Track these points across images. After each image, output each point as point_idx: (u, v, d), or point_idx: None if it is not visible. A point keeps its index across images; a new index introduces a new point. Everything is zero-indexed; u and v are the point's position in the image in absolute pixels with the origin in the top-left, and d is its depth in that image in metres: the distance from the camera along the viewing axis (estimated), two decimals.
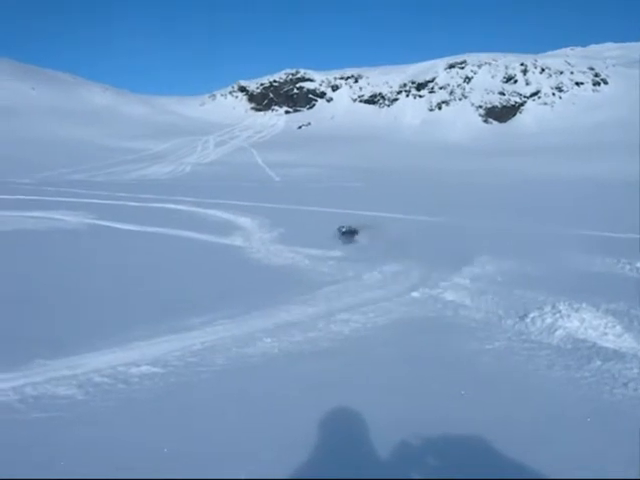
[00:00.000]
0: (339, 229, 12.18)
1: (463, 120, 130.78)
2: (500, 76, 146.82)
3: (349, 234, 11.98)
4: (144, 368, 4.63)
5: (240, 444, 3.54)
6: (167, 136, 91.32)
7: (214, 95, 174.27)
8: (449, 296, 7.35)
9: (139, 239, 12.65)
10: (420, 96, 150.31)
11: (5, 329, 5.73)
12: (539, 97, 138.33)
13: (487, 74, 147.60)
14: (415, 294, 7.43)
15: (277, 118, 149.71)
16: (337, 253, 10.60)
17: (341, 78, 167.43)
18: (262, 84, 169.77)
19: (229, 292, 7.47)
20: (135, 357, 4.86)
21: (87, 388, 4.27)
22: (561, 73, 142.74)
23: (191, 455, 3.37)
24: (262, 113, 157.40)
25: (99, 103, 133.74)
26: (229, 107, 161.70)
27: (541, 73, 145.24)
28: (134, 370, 4.60)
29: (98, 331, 5.52)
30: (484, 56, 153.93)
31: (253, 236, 12.77)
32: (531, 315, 6.16)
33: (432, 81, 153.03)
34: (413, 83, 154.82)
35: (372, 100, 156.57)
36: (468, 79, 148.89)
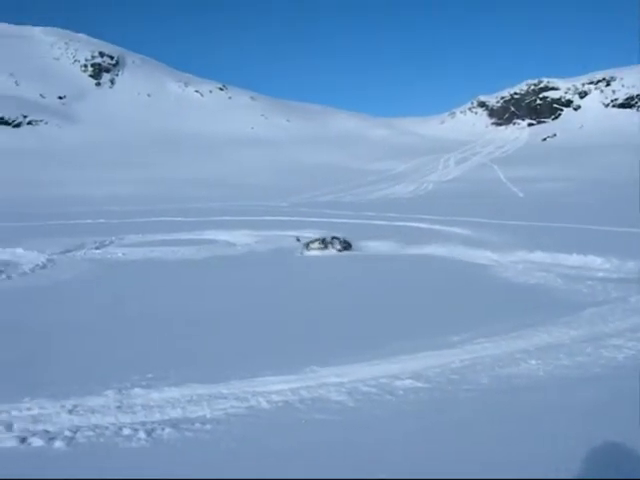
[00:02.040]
0: None
1: None
2: None
3: None
4: (407, 382, 4.77)
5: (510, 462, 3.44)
6: (408, 156, 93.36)
7: (453, 113, 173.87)
8: None
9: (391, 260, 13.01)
10: None
11: (281, 339, 6.37)
12: None
13: None
14: None
15: (519, 131, 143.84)
16: (596, 273, 9.78)
17: (590, 83, 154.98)
18: (502, 97, 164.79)
19: (481, 311, 7.35)
20: (397, 370, 5.04)
21: (356, 396, 4.53)
22: None
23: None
24: (503, 127, 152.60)
25: (344, 129, 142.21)
26: (469, 124, 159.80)
27: None
28: (398, 383, 4.76)
29: (363, 344, 5.84)
30: None
31: (499, 254, 12.36)
32: None
33: None
34: None
35: (628, 104, 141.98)
36: None
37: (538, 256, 11.69)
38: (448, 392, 4.59)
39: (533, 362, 5.23)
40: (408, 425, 4.05)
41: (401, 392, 4.61)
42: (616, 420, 4.03)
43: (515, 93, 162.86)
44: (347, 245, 13.99)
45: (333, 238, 13.94)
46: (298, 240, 14.66)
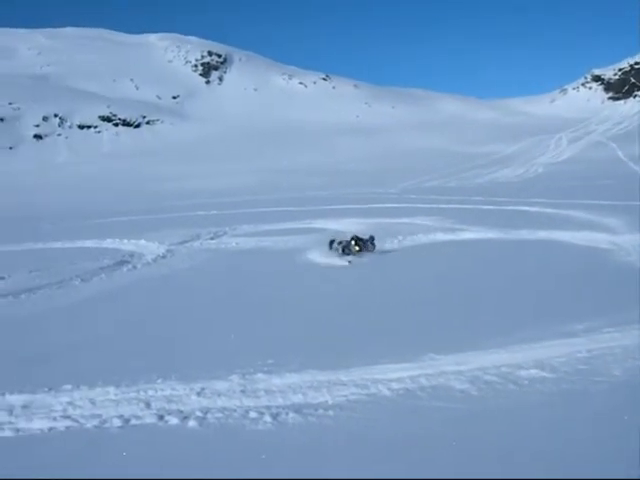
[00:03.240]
0: None
1: None
2: None
3: None
4: (533, 372, 4.63)
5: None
6: (516, 138, 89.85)
7: (565, 89, 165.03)
8: None
9: (494, 244, 12.61)
10: None
11: (401, 326, 6.38)
12: None
13: None
14: None
15: None
16: None
17: None
18: (620, 69, 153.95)
19: (605, 298, 6.97)
20: (519, 359, 4.90)
21: (479, 385, 4.46)
22: None
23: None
24: (622, 102, 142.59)
25: (450, 112, 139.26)
26: (583, 100, 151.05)
27: None
28: (522, 372, 4.63)
29: (482, 332, 5.74)
30: None
31: (621, 237, 11.61)
32: None
33: None
34: None
35: None
36: None
37: None
38: (577, 383, 4.40)
39: None
40: (535, 417, 3.92)
41: (526, 382, 4.48)
42: None
43: (636, 63, 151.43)
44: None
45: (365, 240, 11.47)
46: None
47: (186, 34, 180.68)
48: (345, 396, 4.43)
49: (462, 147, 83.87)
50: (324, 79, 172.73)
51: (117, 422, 4.20)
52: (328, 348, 5.58)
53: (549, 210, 17.92)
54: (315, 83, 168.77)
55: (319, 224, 17.40)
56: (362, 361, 5.08)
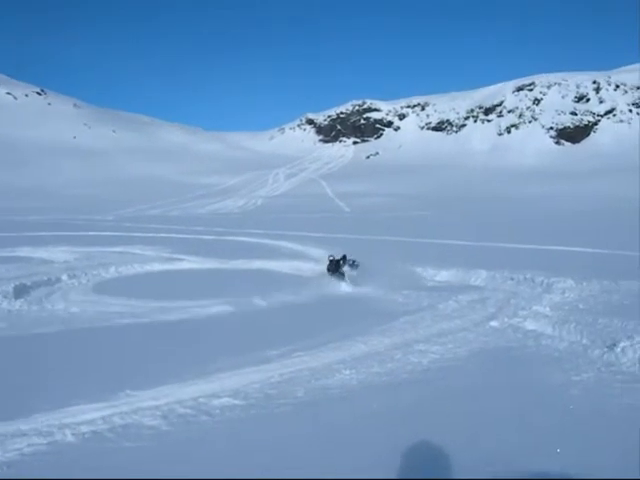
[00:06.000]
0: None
1: (534, 143, 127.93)
2: (571, 96, 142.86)
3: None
4: (224, 400, 4.67)
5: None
6: (239, 171, 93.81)
7: (283, 129, 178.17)
8: (529, 325, 7.09)
9: (215, 274, 12.86)
10: (488, 121, 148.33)
11: (89, 363, 5.92)
12: (614, 115, 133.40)
13: (557, 94, 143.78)
14: (494, 323, 7.21)
15: (345, 149, 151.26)
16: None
17: (408, 107, 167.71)
18: (329, 116, 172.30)
19: (301, 324, 7.48)
20: (216, 389, 4.92)
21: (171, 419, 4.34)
22: (638, 88, 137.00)
23: None
24: (330, 144, 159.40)
25: (174, 142, 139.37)
26: (298, 140, 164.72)
27: (615, 90, 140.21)
28: (215, 402, 4.64)
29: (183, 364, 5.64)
30: (553, 76, 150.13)
31: (322, 265, 12.75)
32: (621, 345, 5.81)
33: (500, 105, 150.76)
34: (481, 108, 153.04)
35: (440, 127, 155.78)
36: (537, 101, 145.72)
37: None
38: (264, 408, 4.55)
39: (347, 372, 5.40)
40: (217, 446, 3.93)
41: (217, 411, 4.49)
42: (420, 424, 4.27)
43: (341, 112, 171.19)
44: None
45: None
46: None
47: None
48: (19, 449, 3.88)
49: (185, 177, 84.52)
50: (39, 93, 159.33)
51: None
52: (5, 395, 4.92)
53: (266, 241, 18.89)
54: (27, 96, 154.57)
55: (24, 252, 15.68)
56: (48, 405, 4.55)
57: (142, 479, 3.36)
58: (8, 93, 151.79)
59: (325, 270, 11.52)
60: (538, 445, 3.83)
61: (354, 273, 11.10)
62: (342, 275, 11.09)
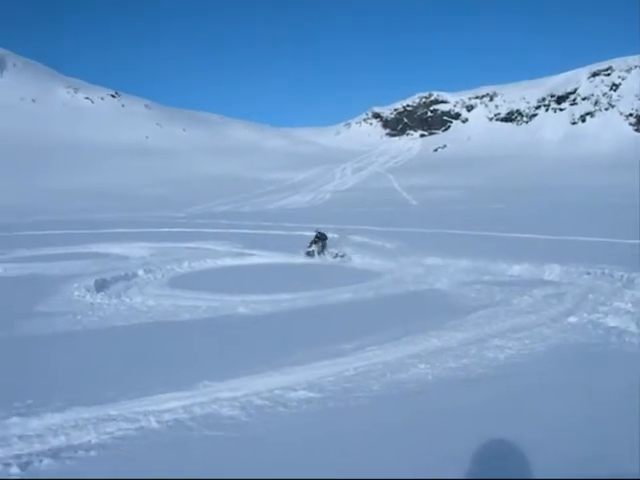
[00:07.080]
0: None
1: (611, 131, 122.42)
2: None
3: None
4: (301, 393, 4.74)
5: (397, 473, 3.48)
6: (306, 166, 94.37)
7: (349, 123, 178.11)
8: (611, 322, 6.81)
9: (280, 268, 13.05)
10: (561, 109, 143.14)
11: (166, 354, 6.15)
12: None
13: (637, 79, 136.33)
14: (572, 319, 6.98)
15: (412, 142, 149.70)
16: (482, 277, 10.30)
17: (475, 97, 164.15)
18: (396, 109, 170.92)
19: (371, 319, 7.49)
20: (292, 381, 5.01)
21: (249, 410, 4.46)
22: None
23: None
24: (397, 138, 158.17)
25: (242, 139, 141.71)
26: (364, 134, 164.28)
27: None
28: (292, 394, 4.72)
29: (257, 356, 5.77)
30: (632, 59, 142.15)
31: (393, 260, 12.73)
32: None
33: (574, 92, 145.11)
34: (552, 96, 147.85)
35: (509, 118, 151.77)
36: (615, 86, 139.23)
37: (430, 261, 12.13)
38: (341, 401, 4.59)
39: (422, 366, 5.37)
40: (299, 436, 4.02)
41: (294, 404, 4.57)
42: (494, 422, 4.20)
43: (408, 105, 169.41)
44: None
45: None
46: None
47: None
48: (111, 433, 4.10)
49: (254, 173, 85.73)
50: (113, 96, 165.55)
51: None
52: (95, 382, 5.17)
53: (336, 236, 18.96)
54: (103, 99, 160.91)
55: (102, 248, 16.42)
56: (133, 393, 4.77)
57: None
58: (86, 98, 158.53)
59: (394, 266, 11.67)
60: (614, 455, 3.67)
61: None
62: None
